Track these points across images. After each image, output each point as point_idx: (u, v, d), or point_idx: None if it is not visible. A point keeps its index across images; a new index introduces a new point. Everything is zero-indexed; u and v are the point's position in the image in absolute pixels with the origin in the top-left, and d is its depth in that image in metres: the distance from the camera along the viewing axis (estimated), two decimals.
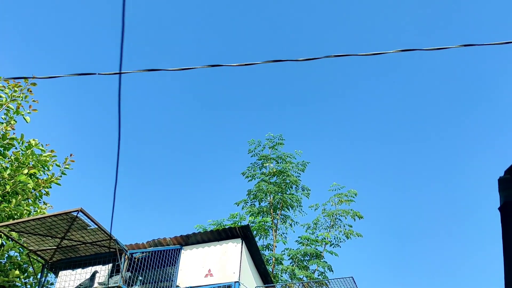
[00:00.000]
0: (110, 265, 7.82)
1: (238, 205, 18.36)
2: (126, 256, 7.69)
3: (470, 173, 33.59)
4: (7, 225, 7.16)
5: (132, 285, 8.20)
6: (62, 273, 8.09)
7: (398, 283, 30.65)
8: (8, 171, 9.55)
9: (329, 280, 10.52)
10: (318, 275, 15.95)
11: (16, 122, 10.02)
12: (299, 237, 17.34)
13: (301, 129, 35.10)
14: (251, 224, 16.33)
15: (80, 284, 7.52)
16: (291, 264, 16.53)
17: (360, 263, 29.41)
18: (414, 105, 34.96)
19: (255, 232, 16.55)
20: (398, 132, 35.69)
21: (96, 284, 7.50)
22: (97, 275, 7.64)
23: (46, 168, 10.73)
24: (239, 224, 16.45)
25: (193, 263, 9.53)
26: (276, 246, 16.99)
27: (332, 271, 16.10)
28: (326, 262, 16.11)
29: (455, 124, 34.30)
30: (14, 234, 7.79)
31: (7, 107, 9.78)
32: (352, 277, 9.08)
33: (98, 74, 3.30)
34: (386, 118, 35.94)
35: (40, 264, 8.73)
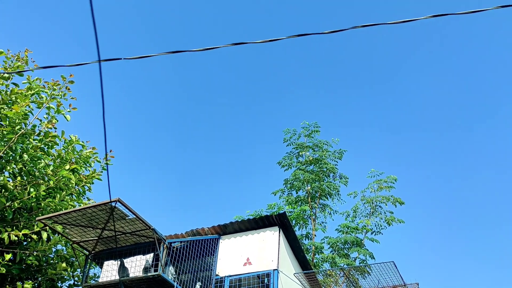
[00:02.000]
0: (151, 254, 7.98)
1: (275, 195, 18.35)
2: (165, 246, 7.82)
3: None
4: (50, 217, 7.44)
5: (178, 274, 8.36)
6: (105, 263, 8.34)
7: (441, 268, 29.79)
8: (52, 168, 9.90)
9: (370, 266, 10.31)
10: (359, 263, 15.71)
11: (57, 121, 10.35)
12: (338, 225, 17.17)
13: (337, 116, 34.58)
14: (290, 214, 16.26)
15: (123, 274, 7.72)
16: (331, 252, 16.36)
17: (403, 250, 28.77)
18: (456, 93, 33.64)
19: (293, 222, 16.48)
20: (442, 119, 34.48)
21: (138, 273, 7.67)
22: (138, 263, 7.82)
23: (88, 164, 11.04)
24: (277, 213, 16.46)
25: (232, 252, 9.59)
26: (315, 235, 16.88)
27: (374, 258, 15.84)
28: (368, 250, 15.85)
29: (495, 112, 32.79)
30: (58, 227, 8.07)
31: (48, 106, 10.11)
32: (393, 261, 8.84)
33: (124, 58, 3.30)
34: (426, 105, 34.79)
35: (84, 256, 9.03)
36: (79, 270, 10.35)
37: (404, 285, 9.15)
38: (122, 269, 7.71)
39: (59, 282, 10.35)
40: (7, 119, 9.48)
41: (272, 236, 9.60)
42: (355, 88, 35.87)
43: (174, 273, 8.18)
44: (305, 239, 16.89)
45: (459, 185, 34.33)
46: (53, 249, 10.17)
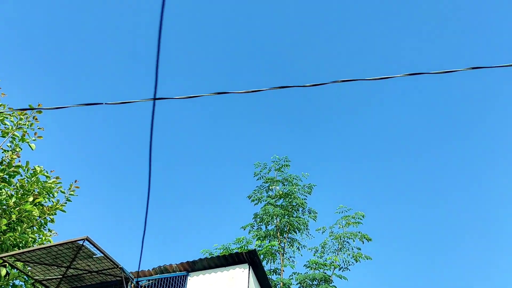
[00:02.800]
0: None
1: (244, 229, 18.18)
2: (133, 285, 7.55)
3: (486, 183, 33.16)
4: (12, 255, 7.07)
5: None
6: None
7: None
8: (14, 199, 9.50)
9: None
10: None
11: (21, 149, 10.03)
12: (307, 261, 17.11)
13: (307, 152, 35.01)
14: (258, 248, 16.11)
15: None
16: None
17: (371, 287, 28.82)
18: (415, 119, 34.84)
19: (262, 256, 16.31)
20: (402, 149, 35.48)
21: None
22: None
23: (51, 195, 10.67)
24: (246, 248, 16.24)
25: None
26: (283, 271, 16.71)
27: None
28: (336, 287, 15.80)
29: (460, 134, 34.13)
30: (19, 264, 7.68)
31: (13, 135, 9.80)
32: None
33: (105, 104, 3.27)
34: (389, 135, 35.82)
35: None
36: None
37: None
38: None
39: None
40: None
41: (241, 274, 9.47)
42: (325, 122, 36.63)
43: None
44: (274, 275, 16.71)
45: (427, 216, 35.07)
46: (10, 285, 9.64)
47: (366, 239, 17.05)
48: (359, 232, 17.22)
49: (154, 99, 3.47)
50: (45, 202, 10.55)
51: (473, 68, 4.15)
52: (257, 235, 17.18)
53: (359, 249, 17.12)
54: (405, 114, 34.77)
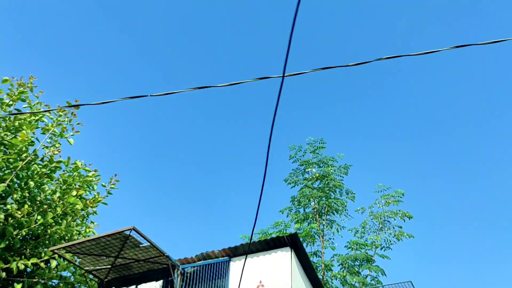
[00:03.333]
0: (162, 281, 7.80)
1: (282, 213, 18.13)
2: (179, 272, 7.64)
3: None
4: (63, 247, 7.26)
5: None
6: None
7: (455, 283, 29.35)
8: (58, 194, 9.76)
9: (384, 286, 10.12)
10: (371, 280, 15.45)
11: (60, 145, 10.25)
12: (347, 242, 16.94)
13: (342, 131, 34.49)
14: (298, 231, 16.05)
15: None
16: (342, 270, 16.10)
17: (414, 265, 28.37)
18: (459, 97, 33.57)
19: (302, 239, 16.26)
20: (441, 124, 34.36)
21: None
22: None
23: (91, 188, 10.91)
24: (284, 231, 16.21)
25: (244, 274, 9.39)
26: (324, 253, 16.63)
27: (385, 275, 15.56)
28: (378, 266, 15.59)
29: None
30: (68, 256, 7.89)
31: (53, 132, 10.02)
32: (410, 281, 8.70)
33: (150, 96, 3.20)
34: (429, 113, 34.75)
35: (94, 282, 8.83)
36: None
37: None
38: None
39: None
40: (13, 147, 9.37)
41: (284, 257, 9.43)
42: (357, 99, 35.89)
43: None
44: (314, 257, 16.65)
45: (468, 190, 33.97)
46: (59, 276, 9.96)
47: (407, 217, 16.70)
48: (399, 210, 16.88)
49: (204, 87, 3.36)
50: (86, 195, 10.80)
51: None
52: (295, 218, 17.12)
53: (401, 227, 16.81)
54: (443, 88, 33.61)
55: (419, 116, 34.73)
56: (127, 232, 6.70)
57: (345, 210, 17.51)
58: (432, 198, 33.44)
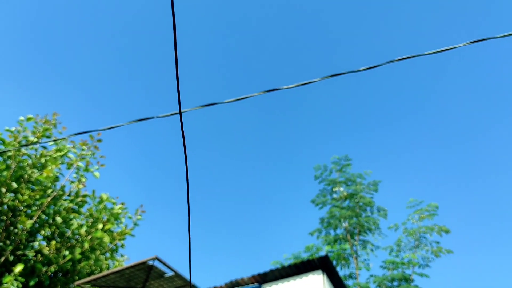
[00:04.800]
0: None
1: (312, 235, 17.67)
2: None
3: None
4: (88, 282, 7.17)
5: None
6: None
7: None
8: (85, 228, 9.77)
9: None
10: None
11: (86, 179, 10.34)
12: (383, 261, 16.27)
13: (366, 147, 33.83)
14: (329, 254, 15.56)
15: None
16: None
17: (455, 282, 26.97)
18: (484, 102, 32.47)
19: (334, 262, 15.74)
20: (468, 133, 33.20)
21: None
22: None
23: (118, 221, 10.91)
24: (316, 255, 15.75)
25: None
26: (359, 274, 16.01)
27: None
28: (418, 286, 14.85)
29: None
30: None
31: (77, 166, 10.13)
32: None
33: (157, 117, 3.09)
34: (453, 124, 33.76)
35: None
36: None
37: None
38: None
39: None
40: (39, 183, 9.49)
41: (316, 280, 9.08)
42: (380, 113, 35.27)
43: None
44: (349, 279, 16.05)
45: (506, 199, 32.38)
46: None
47: (444, 232, 15.97)
48: (435, 225, 16.18)
49: (204, 106, 3.23)
50: (114, 228, 10.80)
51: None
52: (326, 240, 16.63)
53: (438, 243, 16.07)
54: (468, 94, 32.68)
55: (447, 123, 33.74)
56: (151, 262, 6.55)
57: (377, 229, 16.92)
58: (468, 209, 32.06)
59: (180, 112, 1.99)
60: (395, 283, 15.21)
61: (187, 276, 7.15)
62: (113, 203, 10.82)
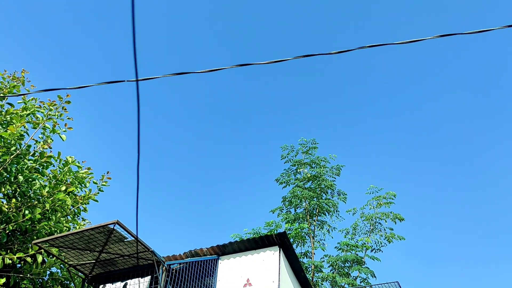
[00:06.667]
0: (149, 277, 7.79)
1: (273, 213, 18.17)
2: (164, 268, 7.63)
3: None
4: (46, 241, 7.25)
5: None
6: (102, 287, 8.13)
7: (446, 284, 29.40)
8: (47, 189, 9.74)
9: (372, 286, 10.14)
10: (360, 282, 15.47)
11: (52, 141, 10.24)
12: (338, 243, 16.97)
13: (334, 132, 34.53)
14: (288, 232, 16.06)
15: None
16: (332, 271, 16.12)
17: (405, 268, 28.40)
18: (455, 99, 33.56)
19: (292, 239, 16.27)
20: (433, 125, 34.36)
21: None
22: (136, 286, 7.62)
23: (83, 185, 10.90)
24: (275, 232, 16.23)
25: (231, 273, 9.38)
26: (314, 253, 16.65)
27: (375, 277, 15.60)
28: (369, 268, 15.61)
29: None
30: (54, 250, 7.88)
31: (44, 126, 10.01)
32: (397, 282, 8.72)
33: (127, 81, 3.22)
34: (418, 115, 34.82)
35: (80, 279, 8.82)
36: None
37: None
38: None
39: None
40: (2, 140, 9.35)
41: (272, 256, 9.42)
42: (351, 102, 35.94)
43: None
44: (304, 258, 16.68)
45: (462, 192, 33.98)
46: (48, 272, 9.94)
47: (399, 219, 16.74)
48: (391, 212, 16.92)
49: (177, 73, 3.40)
50: (78, 192, 10.79)
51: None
52: (286, 218, 17.14)
53: (392, 229, 16.85)
54: (434, 88, 33.69)
55: (415, 117, 34.80)
56: (111, 226, 6.69)
57: (336, 211, 17.57)
58: (425, 200, 33.50)
59: (137, 81, 2.14)
60: (347, 264, 15.94)
61: (151, 244, 7.36)
62: (79, 167, 10.77)
